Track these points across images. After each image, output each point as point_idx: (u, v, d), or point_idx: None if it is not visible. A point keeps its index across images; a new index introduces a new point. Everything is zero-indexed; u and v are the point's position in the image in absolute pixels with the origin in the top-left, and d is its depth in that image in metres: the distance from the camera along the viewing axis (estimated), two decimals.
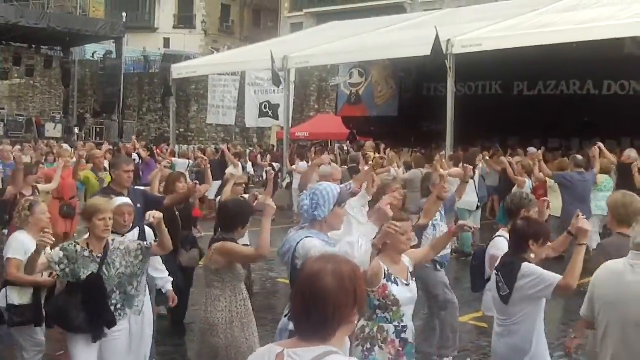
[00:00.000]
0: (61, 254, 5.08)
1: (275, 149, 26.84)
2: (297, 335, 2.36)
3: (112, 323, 5.21)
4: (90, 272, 5.08)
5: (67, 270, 5.07)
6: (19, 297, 6.00)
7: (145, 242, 5.55)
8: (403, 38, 19.27)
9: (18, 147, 18.91)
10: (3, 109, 35.72)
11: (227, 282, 5.41)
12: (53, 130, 30.80)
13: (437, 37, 14.97)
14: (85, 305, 5.08)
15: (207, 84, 32.83)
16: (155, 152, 19.28)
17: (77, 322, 5.07)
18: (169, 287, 6.65)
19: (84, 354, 5.16)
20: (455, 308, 7.33)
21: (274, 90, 27.09)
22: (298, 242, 4.28)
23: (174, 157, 19.80)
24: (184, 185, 8.16)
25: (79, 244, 5.19)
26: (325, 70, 29.25)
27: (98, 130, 32.10)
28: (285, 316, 4.31)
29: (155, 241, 5.60)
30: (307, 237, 4.30)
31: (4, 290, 6.11)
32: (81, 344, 5.15)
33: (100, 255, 5.17)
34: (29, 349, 6.20)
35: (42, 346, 6.23)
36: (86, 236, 5.32)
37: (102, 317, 5.15)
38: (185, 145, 29.49)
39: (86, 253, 5.14)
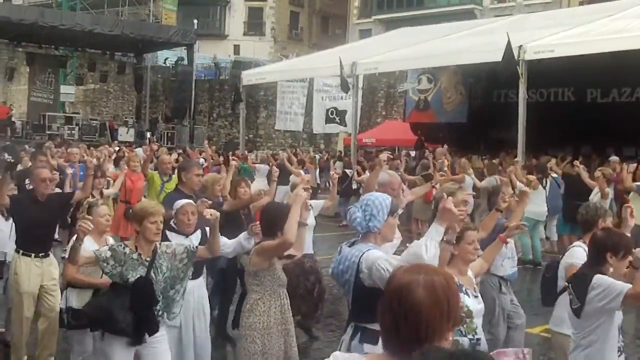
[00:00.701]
0: (109, 253, 5.04)
1: (342, 155, 26.84)
2: (386, 350, 2.20)
3: (154, 330, 5.13)
4: (138, 275, 5.01)
5: (115, 271, 5.02)
6: (77, 300, 6.04)
7: (191, 245, 5.49)
8: (473, 44, 19.08)
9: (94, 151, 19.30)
10: (78, 113, 36.75)
11: (267, 286, 5.40)
12: (126, 134, 31.48)
13: (508, 43, 14.79)
14: (132, 308, 4.98)
15: (276, 90, 33.10)
16: (229, 157, 19.45)
17: (121, 325, 4.95)
18: None
19: (122, 357, 5.09)
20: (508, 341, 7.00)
21: (342, 97, 27.17)
22: (360, 257, 4.08)
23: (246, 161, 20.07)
24: (245, 191, 8.19)
25: (127, 246, 5.15)
26: (393, 77, 29.19)
27: (169, 135, 32.67)
28: (349, 326, 4.26)
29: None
30: (367, 250, 4.10)
31: (65, 291, 6.23)
32: (119, 346, 5.05)
33: (148, 258, 5.11)
34: (75, 352, 6.35)
35: (87, 352, 6.20)
36: (132, 239, 5.33)
37: (147, 322, 5.07)
38: (267, 151, 29.85)
39: (135, 256, 5.07)
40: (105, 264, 5.01)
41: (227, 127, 38.72)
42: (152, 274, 5.06)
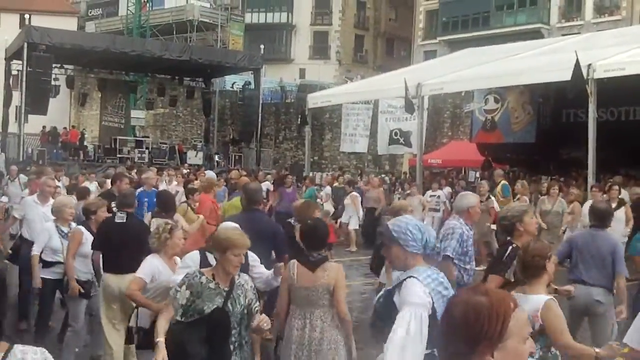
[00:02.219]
0: (187, 293, 4.80)
1: (407, 177, 26.75)
2: None
3: None
4: (215, 306, 4.78)
5: (192, 305, 4.77)
6: (147, 322, 6.10)
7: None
8: (540, 63, 18.85)
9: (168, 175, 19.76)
10: (148, 137, 37.59)
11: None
12: (194, 157, 32.03)
13: (577, 61, 14.57)
14: (206, 341, 4.74)
15: (341, 112, 33.27)
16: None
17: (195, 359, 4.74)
18: None
19: None
20: None
21: (406, 118, 27.12)
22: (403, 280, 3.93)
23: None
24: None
25: (204, 275, 4.90)
26: (459, 97, 29.00)
27: (237, 157, 33.14)
28: None
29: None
30: (411, 277, 3.88)
31: (136, 310, 6.27)
32: None
33: (226, 289, 4.87)
34: None
35: None
36: (210, 268, 5.12)
37: (222, 355, 4.80)
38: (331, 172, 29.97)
39: (212, 285, 4.83)
40: (180, 310, 4.80)
41: (292, 150, 39.04)
42: (230, 305, 4.84)
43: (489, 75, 19.62)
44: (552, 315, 4.46)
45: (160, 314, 5.03)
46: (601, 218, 7.31)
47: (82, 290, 7.61)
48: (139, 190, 13.11)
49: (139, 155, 30.72)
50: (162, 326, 4.88)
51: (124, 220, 7.55)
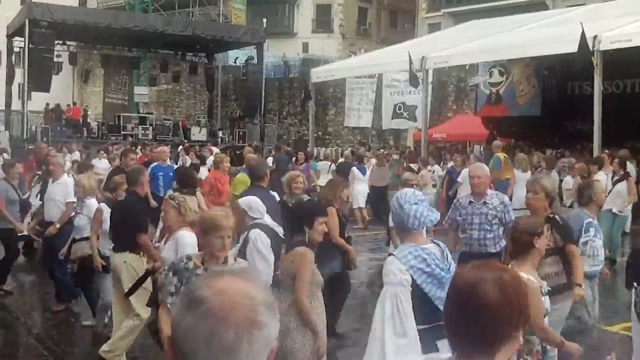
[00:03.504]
0: (175, 279, 4.62)
1: (412, 151, 26.63)
2: (455, 352, 2.09)
3: None
4: None
5: (177, 291, 4.58)
6: None
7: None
8: (546, 35, 18.69)
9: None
10: (151, 113, 37.49)
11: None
12: (199, 133, 31.95)
13: (582, 33, 14.44)
14: None
15: (345, 87, 33.14)
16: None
17: None
18: None
19: None
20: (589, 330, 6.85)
21: (410, 92, 27.02)
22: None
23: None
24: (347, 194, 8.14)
25: (192, 259, 4.71)
26: (463, 70, 28.78)
27: (241, 133, 33.07)
28: None
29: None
30: (391, 254, 4.09)
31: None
32: None
33: None
34: None
35: None
36: (199, 253, 4.93)
37: None
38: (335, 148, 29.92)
39: (199, 271, 4.55)
40: (169, 298, 4.61)
41: (296, 125, 38.91)
42: None
43: (493, 48, 19.47)
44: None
45: (162, 313, 4.80)
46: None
47: (104, 264, 7.87)
48: (153, 164, 13.32)
49: (143, 132, 30.65)
50: (166, 322, 4.60)
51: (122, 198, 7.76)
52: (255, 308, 1.50)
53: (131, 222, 7.22)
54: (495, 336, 2.02)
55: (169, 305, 4.56)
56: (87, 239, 8.15)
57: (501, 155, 15.73)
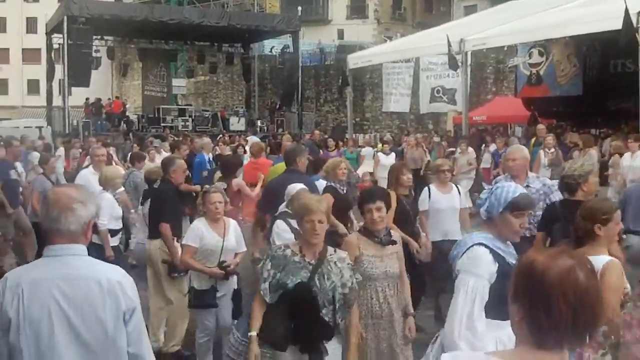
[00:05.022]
0: (269, 265, 4.53)
1: (451, 135, 26.40)
2: (536, 342, 2.01)
3: (328, 335, 4.53)
4: (299, 281, 4.44)
5: (273, 279, 4.49)
6: (198, 282, 6.38)
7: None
8: (586, 13, 18.29)
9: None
10: (190, 105, 37.76)
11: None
12: (237, 123, 32.11)
13: (626, 9, 14.11)
14: (292, 319, 4.46)
15: (381, 72, 32.93)
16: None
17: (284, 339, 4.46)
18: None
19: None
20: None
21: (448, 75, 26.73)
22: (467, 249, 3.82)
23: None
24: (408, 178, 7.86)
25: (289, 247, 4.64)
26: (502, 52, 28.42)
27: (279, 122, 33.15)
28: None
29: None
30: (478, 244, 3.79)
31: (190, 273, 6.61)
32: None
33: (313, 262, 4.53)
34: (199, 331, 6.61)
35: (210, 332, 6.52)
36: (298, 240, 4.85)
37: (314, 330, 4.48)
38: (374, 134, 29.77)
39: (297, 258, 4.53)
40: (265, 284, 4.51)
41: (334, 112, 38.84)
42: (317, 281, 4.47)
43: (532, 28, 19.14)
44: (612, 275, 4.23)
45: (255, 300, 4.65)
46: None
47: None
48: (199, 155, 13.64)
49: (182, 123, 30.91)
50: (257, 318, 4.54)
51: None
52: (71, 201, 2.99)
53: (159, 211, 7.38)
54: (586, 324, 1.98)
55: (262, 292, 4.51)
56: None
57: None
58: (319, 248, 4.59)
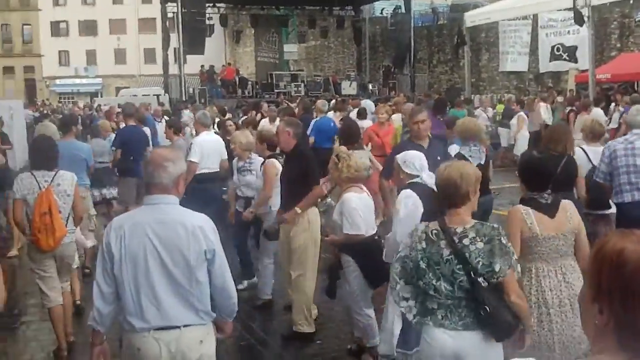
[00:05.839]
0: (409, 241, 3.98)
1: (574, 94, 25.21)
2: (623, 354, 1.61)
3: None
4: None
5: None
6: None
7: None
8: None
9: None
10: (302, 70, 37.78)
11: None
12: (349, 87, 31.88)
13: None
14: None
15: (498, 30, 31.84)
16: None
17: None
18: None
19: None
20: None
21: (569, 32, 25.59)
22: None
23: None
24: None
25: (427, 226, 3.93)
26: (627, 5, 26.83)
27: (391, 85, 32.71)
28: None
29: None
30: None
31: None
32: None
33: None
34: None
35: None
36: None
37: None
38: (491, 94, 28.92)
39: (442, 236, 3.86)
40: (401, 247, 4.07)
41: (447, 73, 37.87)
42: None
43: None
44: None
45: None
46: None
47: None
48: (315, 119, 13.69)
49: (295, 89, 31.00)
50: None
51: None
52: (163, 160, 3.64)
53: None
54: None
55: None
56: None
57: None
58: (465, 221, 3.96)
